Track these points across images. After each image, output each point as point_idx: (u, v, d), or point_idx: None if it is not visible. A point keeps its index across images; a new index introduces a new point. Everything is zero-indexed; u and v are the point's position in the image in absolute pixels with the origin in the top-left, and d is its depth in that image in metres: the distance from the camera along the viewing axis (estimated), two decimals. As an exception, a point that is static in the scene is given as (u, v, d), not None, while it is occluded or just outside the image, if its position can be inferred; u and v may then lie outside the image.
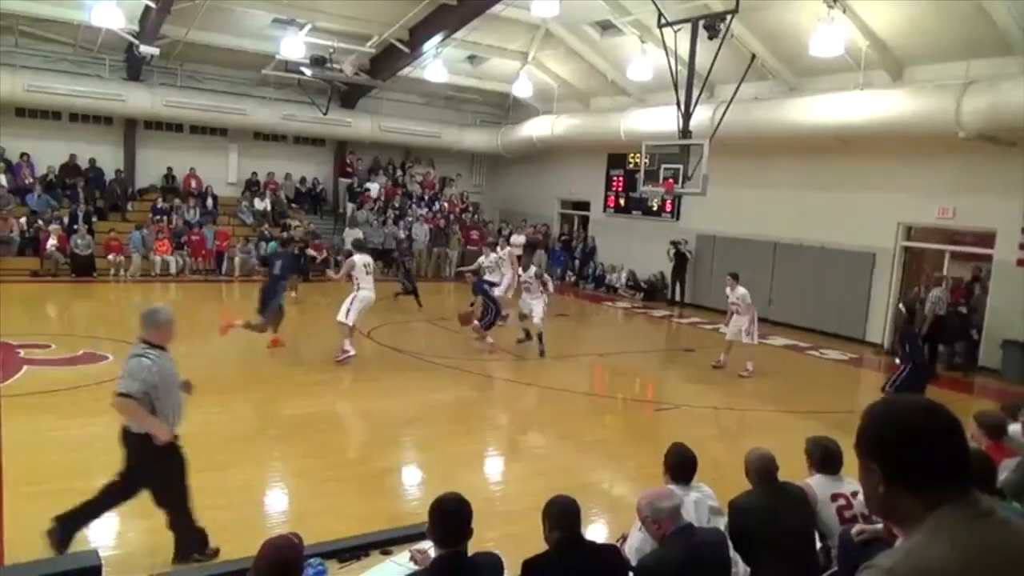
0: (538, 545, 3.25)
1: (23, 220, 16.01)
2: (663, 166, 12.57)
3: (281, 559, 2.71)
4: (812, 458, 4.17)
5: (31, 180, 17.03)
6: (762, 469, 3.90)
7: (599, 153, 19.65)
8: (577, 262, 20.61)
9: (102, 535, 4.92)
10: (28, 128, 17.21)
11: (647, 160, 12.86)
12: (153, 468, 4.30)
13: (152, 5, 14.09)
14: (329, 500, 5.09)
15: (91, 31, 15.84)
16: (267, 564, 2.69)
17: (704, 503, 3.88)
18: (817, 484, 4.03)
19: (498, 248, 13.29)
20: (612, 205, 20.02)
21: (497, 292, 12.02)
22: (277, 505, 5.74)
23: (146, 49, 15.42)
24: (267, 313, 10.23)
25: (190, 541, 4.43)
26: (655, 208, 18.57)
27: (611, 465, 7.17)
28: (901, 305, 8.79)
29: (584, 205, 21.25)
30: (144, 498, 5.40)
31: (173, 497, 4.37)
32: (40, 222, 16.08)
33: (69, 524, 4.32)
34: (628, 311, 17.07)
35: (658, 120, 15.06)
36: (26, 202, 16.61)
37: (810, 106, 13.54)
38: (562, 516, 3.24)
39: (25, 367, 8.75)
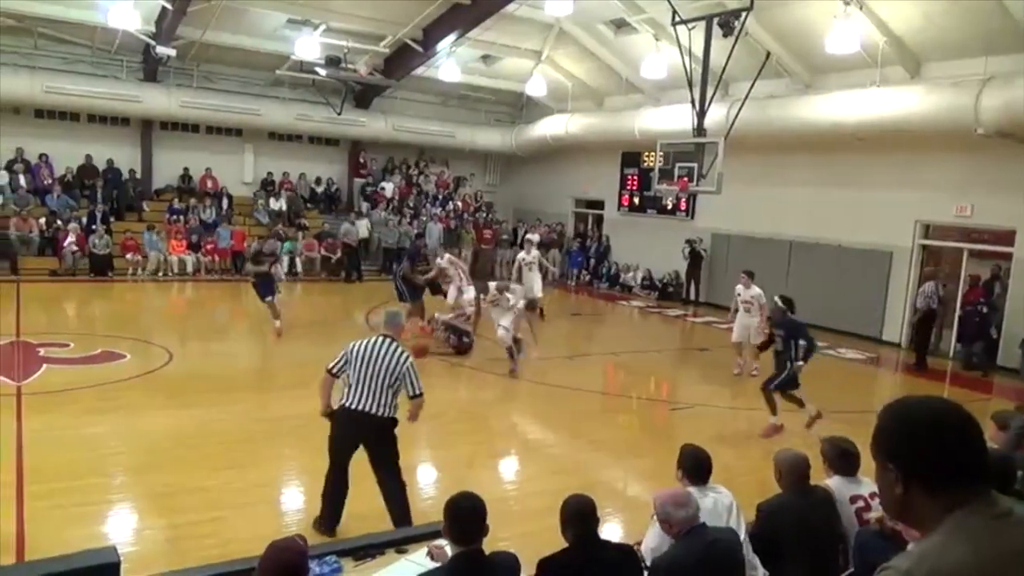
0: (553, 544, 3.25)
1: (42, 220, 16.22)
2: (678, 165, 12.53)
3: (284, 562, 2.69)
4: (828, 459, 4.13)
5: (50, 181, 17.23)
6: (795, 470, 3.86)
7: (613, 152, 19.58)
8: (592, 261, 20.59)
9: (121, 532, 4.97)
10: (47, 129, 17.40)
11: (662, 159, 12.83)
12: (393, 445, 4.92)
13: (168, 6, 14.20)
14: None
15: (108, 33, 15.98)
16: (271, 566, 2.67)
17: (721, 504, 3.83)
18: (835, 486, 3.99)
19: (439, 258, 12.18)
20: (627, 204, 19.95)
21: (449, 299, 11.83)
22: (292, 503, 5.77)
23: (162, 50, 15.56)
24: (412, 301, 11.63)
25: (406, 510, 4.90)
26: (670, 207, 18.48)
27: (625, 464, 7.15)
28: (777, 297, 8.36)
29: (598, 204, 21.21)
30: (162, 495, 5.48)
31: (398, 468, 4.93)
32: (59, 222, 16.26)
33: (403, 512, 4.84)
34: (643, 310, 17.01)
35: (672, 118, 14.99)
36: (45, 202, 16.82)
37: (826, 104, 13.41)
38: (577, 515, 3.24)
39: (44, 366, 8.86)
